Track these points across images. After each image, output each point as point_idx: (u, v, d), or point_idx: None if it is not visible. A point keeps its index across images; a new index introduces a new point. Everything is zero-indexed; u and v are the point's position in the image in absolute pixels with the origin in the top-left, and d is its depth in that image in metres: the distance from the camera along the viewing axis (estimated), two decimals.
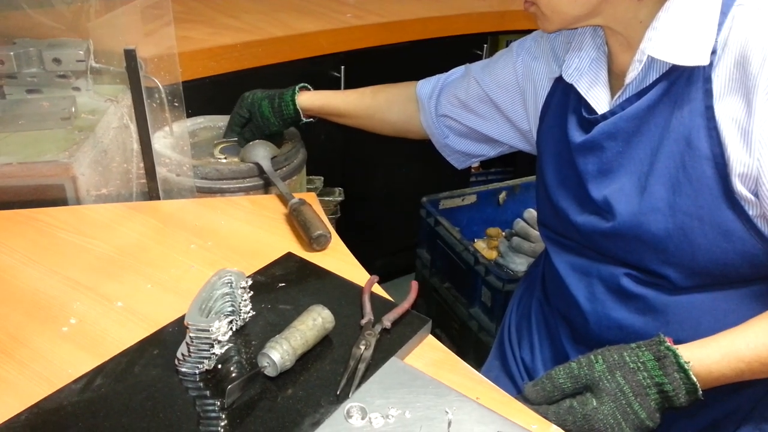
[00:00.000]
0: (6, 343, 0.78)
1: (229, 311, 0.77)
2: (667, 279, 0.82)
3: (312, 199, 1.09)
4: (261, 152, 1.17)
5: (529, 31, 1.04)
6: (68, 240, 0.98)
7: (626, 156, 0.83)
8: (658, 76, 0.80)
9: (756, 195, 0.74)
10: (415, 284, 0.87)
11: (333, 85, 1.84)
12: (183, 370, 0.72)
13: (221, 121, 1.32)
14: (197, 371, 0.72)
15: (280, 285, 0.88)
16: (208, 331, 0.71)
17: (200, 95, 1.43)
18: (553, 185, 0.93)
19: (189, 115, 1.25)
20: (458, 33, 2.04)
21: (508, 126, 1.06)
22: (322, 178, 1.58)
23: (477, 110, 1.07)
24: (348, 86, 1.80)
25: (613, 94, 0.86)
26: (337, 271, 0.91)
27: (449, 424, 0.67)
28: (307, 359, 0.75)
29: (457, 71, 1.12)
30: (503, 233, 1.91)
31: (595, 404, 0.75)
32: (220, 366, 0.74)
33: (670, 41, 0.76)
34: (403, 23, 1.93)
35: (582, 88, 0.87)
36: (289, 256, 0.95)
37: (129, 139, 1.20)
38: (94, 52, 1.24)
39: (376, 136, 1.23)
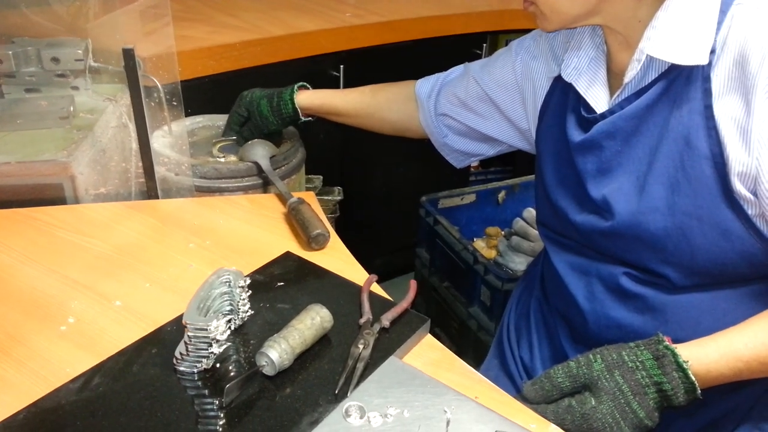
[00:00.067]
0: (4, 342, 0.78)
1: (228, 310, 0.77)
2: (666, 278, 0.82)
3: (311, 198, 1.09)
4: (260, 151, 1.17)
5: (528, 31, 1.04)
6: (67, 239, 0.98)
7: (625, 155, 0.83)
8: (657, 76, 0.79)
9: (755, 194, 0.74)
10: (413, 283, 0.87)
11: (332, 84, 1.84)
12: (181, 369, 0.72)
13: (220, 120, 1.32)
14: (195, 370, 0.72)
15: (279, 284, 0.88)
16: (207, 330, 0.71)
17: (199, 94, 1.43)
18: (552, 184, 0.93)
19: (188, 114, 1.25)
20: (457, 32, 2.04)
21: (507, 125, 1.06)
22: (321, 177, 1.57)
23: (476, 109, 1.07)
24: (347, 85, 1.80)
25: (612, 94, 0.86)
26: (336, 271, 0.91)
27: (448, 423, 0.67)
28: (305, 358, 0.74)
29: (456, 70, 1.12)
30: (502, 232, 1.91)
31: (593, 403, 0.75)
32: (218, 365, 0.74)
33: (669, 40, 0.76)
34: (402, 22, 1.93)
35: (581, 88, 0.87)
36: (287, 255, 0.94)
37: (127, 139, 1.20)
38: (92, 51, 1.24)
39: (375, 135, 1.23)
